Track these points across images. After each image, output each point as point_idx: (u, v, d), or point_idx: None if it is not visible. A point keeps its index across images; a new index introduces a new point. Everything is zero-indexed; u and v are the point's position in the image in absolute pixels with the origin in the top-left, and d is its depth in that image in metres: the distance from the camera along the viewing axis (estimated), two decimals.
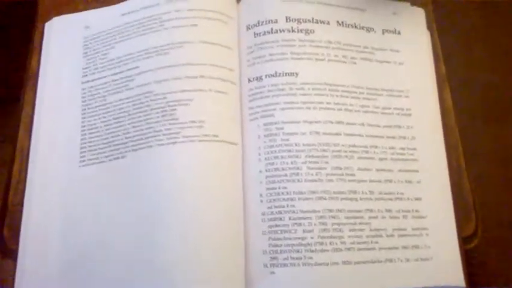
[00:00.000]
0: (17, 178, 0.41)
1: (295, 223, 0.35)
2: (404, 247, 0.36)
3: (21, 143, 0.42)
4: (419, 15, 0.44)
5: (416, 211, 0.38)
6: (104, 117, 0.39)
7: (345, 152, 0.37)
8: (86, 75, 0.41)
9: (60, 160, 0.39)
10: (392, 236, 0.36)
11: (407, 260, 0.36)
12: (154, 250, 0.34)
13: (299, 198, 0.36)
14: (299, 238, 0.35)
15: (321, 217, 0.35)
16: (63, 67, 0.42)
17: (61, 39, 0.43)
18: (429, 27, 0.45)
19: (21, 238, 0.38)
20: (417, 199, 0.38)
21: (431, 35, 0.44)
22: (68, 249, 0.36)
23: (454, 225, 0.38)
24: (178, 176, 0.35)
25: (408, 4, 0.44)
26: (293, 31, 0.40)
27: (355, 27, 0.41)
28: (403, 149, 0.39)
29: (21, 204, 0.39)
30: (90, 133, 0.39)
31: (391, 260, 0.36)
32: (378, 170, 0.38)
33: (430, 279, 0.36)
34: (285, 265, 0.34)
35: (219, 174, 0.36)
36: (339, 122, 0.38)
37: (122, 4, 0.43)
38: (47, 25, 0.44)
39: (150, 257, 0.34)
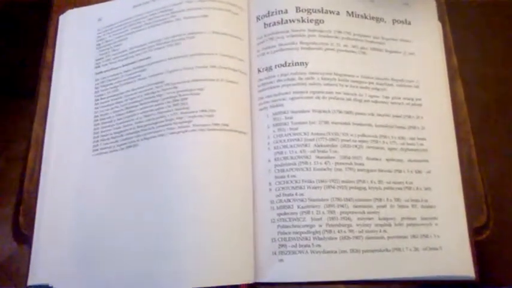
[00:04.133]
0: (32, 167, 0.42)
1: (304, 211, 0.35)
2: (413, 236, 0.36)
3: (36, 133, 0.43)
4: (430, 6, 0.44)
5: (426, 201, 0.38)
6: (116, 107, 0.40)
7: (354, 141, 0.37)
8: (99, 67, 0.42)
9: (73, 149, 0.40)
10: (401, 225, 0.36)
11: (416, 249, 0.36)
12: (165, 237, 0.35)
13: (308, 187, 0.36)
14: (307, 226, 0.35)
15: (330, 205, 0.35)
16: (76, 59, 0.43)
17: (75, 32, 0.44)
18: (441, 19, 0.44)
19: (36, 224, 0.39)
20: (427, 189, 0.38)
21: (443, 27, 0.44)
22: (81, 235, 0.37)
23: (464, 215, 0.38)
24: (189, 164, 0.36)
25: None
26: (303, 21, 0.40)
27: (365, 17, 0.41)
28: (412, 139, 0.39)
29: (36, 193, 0.40)
30: (103, 123, 0.40)
31: (399, 249, 0.36)
32: (387, 159, 0.38)
33: (438, 269, 0.36)
34: (293, 252, 0.35)
35: (229, 163, 0.36)
36: (348, 112, 0.38)
37: None
38: (61, 18, 0.45)
39: (161, 243, 0.35)
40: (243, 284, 0.35)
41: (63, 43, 0.44)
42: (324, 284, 0.37)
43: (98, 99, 0.41)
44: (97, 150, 0.39)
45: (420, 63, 0.41)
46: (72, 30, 0.44)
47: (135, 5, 0.42)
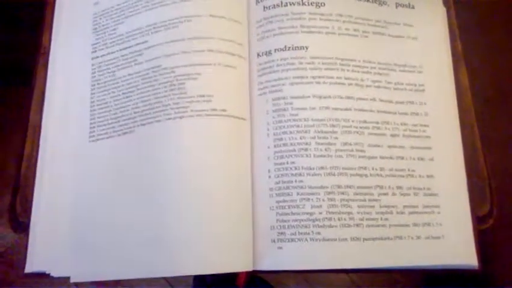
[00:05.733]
0: (29, 154, 0.41)
1: (303, 198, 0.35)
2: (415, 224, 0.36)
3: (33, 119, 0.42)
4: None
5: (428, 189, 0.37)
6: (113, 92, 0.39)
7: (355, 127, 0.37)
8: (96, 51, 0.41)
9: (70, 135, 0.39)
10: (402, 213, 0.36)
11: (418, 238, 0.35)
12: (162, 223, 0.34)
13: (307, 174, 0.35)
14: (307, 213, 0.34)
15: (330, 193, 0.35)
16: (73, 44, 0.42)
17: (71, 16, 0.43)
18: (445, 3, 0.43)
19: (33, 212, 0.38)
20: (429, 176, 0.37)
21: (448, 12, 0.43)
22: (77, 221, 0.37)
23: (468, 203, 0.38)
24: (186, 150, 0.35)
25: None
26: (303, 4, 0.39)
27: (368, 0, 0.40)
28: (415, 125, 0.38)
29: (33, 180, 0.40)
30: (100, 108, 0.39)
31: (400, 237, 0.35)
32: (389, 146, 0.37)
33: (441, 257, 0.35)
34: (292, 240, 0.34)
35: (227, 149, 0.36)
36: (349, 97, 0.37)
37: None
38: (58, 2, 0.44)
39: (158, 229, 0.34)
40: (242, 272, 0.35)
41: (60, 28, 0.43)
42: (325, 271, 0.36)
43: (94, 85, 0.40)
44: (93, 136, 0.39)
45: (423, 48, 0.40)
46: (69, 15, 0.43)
47: None
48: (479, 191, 0.40)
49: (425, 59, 0.40)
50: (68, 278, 0.36)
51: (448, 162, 0.38)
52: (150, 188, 0.35)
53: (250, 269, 0.34)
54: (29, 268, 0.37)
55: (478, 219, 0.39)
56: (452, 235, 0.36)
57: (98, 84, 0.40)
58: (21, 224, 0.40)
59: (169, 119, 0.36)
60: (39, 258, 0.37)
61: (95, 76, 0.40)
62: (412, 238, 0.35)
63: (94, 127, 0.39)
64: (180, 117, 0.35)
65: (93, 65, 0.41)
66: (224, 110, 0.36)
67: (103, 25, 0.41)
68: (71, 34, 0.42)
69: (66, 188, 0.38)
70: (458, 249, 0.36)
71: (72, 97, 0.40)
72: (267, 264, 0.34)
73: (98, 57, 0.41)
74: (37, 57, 0.44)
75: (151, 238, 0.34)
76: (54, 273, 0.36)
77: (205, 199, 0.34)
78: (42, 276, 0.38)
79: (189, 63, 0.37)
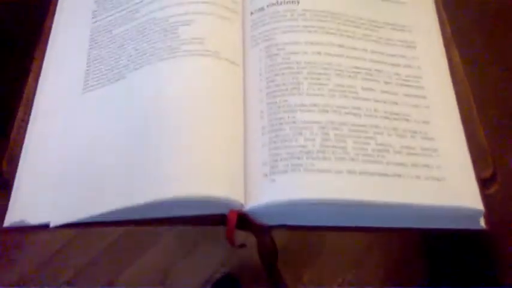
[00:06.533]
0: (21, 119, 0.41)
1: (296, 133, 0.34)
2: (414, 165, 0.34)
3: (28, 90, 0.43)
4: None
5: (425, 133, 0.36)
6: (109, 47, 0.40)
7: (348, 72, 0.37)
8: (95, 17, 0.43)
9: (63, 89, 0.39)
10: (400, 152, 0.34)
11: (418, 178, 0.34)
12: (156, 159, 0.33)
13: (300, 110, 0.34)
14: (300, 146, 0.33)
15: (323, 128, 0.34)
16: (74, 14, 0.44)
17: None
18: None
19: (20, 164, 0.37)
20: (425, 122, 0.36)
21: None
22: (63, 166, 0.35)
23: (467, 151, 0.36)
24: (178, 88, 0.35)
25: None
26: None
27: None
28: (408, 76, 0.38)
29: (23, 140, 0.39)
30: (95, 64, 0.40)
31: (399, 176, 0.33)
32: (382, 91, 0.37)
33: (443, 199, 0.33)
34: (285, 172, 0.32)
35: (219, 88, 0.35)
36: (340, 46, 0.38)
37: None
38: None
39: (152, 164, 0.33)
40: (231, 212, 0.33)
41: (64, 4, 0.45)
42: (319, 229, 0.35)
43: (92, 44, 0.41)
44: (86, 88, 0.39)
45: (412, 12, 0.42)
46: None
47: None
48: (480, 156, 0.39)
49: (414, 20, 0.41)
50: (48, 225, 0.34)
51: (444, 113, 0.37)
52: (143, 127, 0.34)
53: (242, 201, 0.32)
54: (8, 220, 0.35)
55: (482, 182, 0.37)
56: (453, 178, 0.34)
57: (95, 43, 0.41)
58: (5, 181, 0.38)
59: (161, 60, 0.36)
60: (18, 208, 0.35)
61: (93, 37, 0.41)
62: (411, 177, 0.33)
63: (88, 80, 0.39)
64: (173, 57, 0.36)
65: (92, 28, 0.42)
66: (217, 52, 0.36)
67: None
68: (73, 5, 0.44)
69: (54, 137, 0.37)
70: (461, 190, 0.34)
71: (69, 57, 0.41)
72: (259, 198, 0.32)
73: (97, 21, 0.42)
74: (39, 36, 0.46)
75: (143, 172, 0.32)
76: (34, 221, 0.34)
77: (196, 134, 0.33)
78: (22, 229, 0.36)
79: (183, 12, 0.38)
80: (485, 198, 0.37)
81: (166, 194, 0.30)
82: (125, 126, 0.35)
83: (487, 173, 0.39)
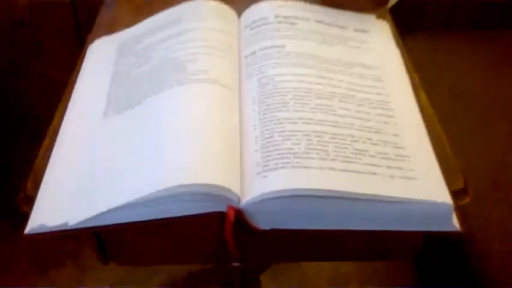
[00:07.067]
0: (46, 148, 0.47)
1: (284, 139, 0.40)
2: (389, 167, 0.39)
3: (55, 123, 0.49)
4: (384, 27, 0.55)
5: (396, 143, 0.42)
6: (127, 86, 0.47)
7: (326, 95, 0.44)
8: (116, 64, 0.51)
9: (84, 121, 0.46)
10: (374, 156, 0.40)
11: (392, 177, 0.39)
12: (161, 157, 0.39)
13: (288, 122, 0.41)
14: (288, 149, 0.39)
15: (307, 135, 0.40)
16: (99, 62, 0.52)
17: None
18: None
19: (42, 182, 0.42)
20: (395, 135, 0.42)
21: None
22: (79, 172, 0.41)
23: (435, 159, 0.42)
24: (185, 107, 0.42)
25: (373, 16, 0.55)
26: (280, 23, 0.51)
27: (331, 25, 0.52)
28: (379, 101, 0.45)
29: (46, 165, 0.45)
30: (114, 100, 0.47)
31: (375, 173, 0.39)
32: (357, 111, 0.43)
33: (415, 194, 0.38)
34: (275, 169, 0.38)
35: (220, 106, 0.43)
36: (320, 77, 0.46)
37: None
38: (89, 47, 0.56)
39: (159, 157, 0.39)
40: (229, 208, 0.37)
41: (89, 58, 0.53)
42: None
43: (112, 84, 0.49)
44: (107, 113, 0.45)
45: (379, 55, 0.50)
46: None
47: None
48: (449, 173, 0.44)
49: (381, 61, 0.50)
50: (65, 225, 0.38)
51: (413, 129, 0.44)
52: (151, 133, 0.41)
53: (238, 192, 0.37)
54: (28, 227, 0.39)
55: (454, 194, 0.42)
56: (424, 178, 0.39)
57: (114, 83, 0.49)
58: (28, 198, 0.43)
59: (171, 87, 0.44)
60: (38, 216, 0.39)
61: (114, 78, 0.49)
62: (386, 176, 0.39)
63: (108, 109, 0.46)
64: (181, 84, 0.43)
65: (113, 72, 0.50)
66: (218, 80, 0.44)
67: (125, 47, 0.52)
68: (98, 58, 0.53)
69: (75, 154, 0.43)
70: (430, 188, 0.39)
71: (91, 97, 0.48)
72: (253, 192, 0.37)
73: (117, 66, 0.50)
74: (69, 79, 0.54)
75: (146, 161, 0.38)
76: (52, 223, 0.38)
77: (199, 138, 0.39)
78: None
79: (190, 53, 0.46)
80: (458, 208, 0.41)
81: (175, 181, 0.35)
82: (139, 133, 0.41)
83: (457, 186, 0.44)
